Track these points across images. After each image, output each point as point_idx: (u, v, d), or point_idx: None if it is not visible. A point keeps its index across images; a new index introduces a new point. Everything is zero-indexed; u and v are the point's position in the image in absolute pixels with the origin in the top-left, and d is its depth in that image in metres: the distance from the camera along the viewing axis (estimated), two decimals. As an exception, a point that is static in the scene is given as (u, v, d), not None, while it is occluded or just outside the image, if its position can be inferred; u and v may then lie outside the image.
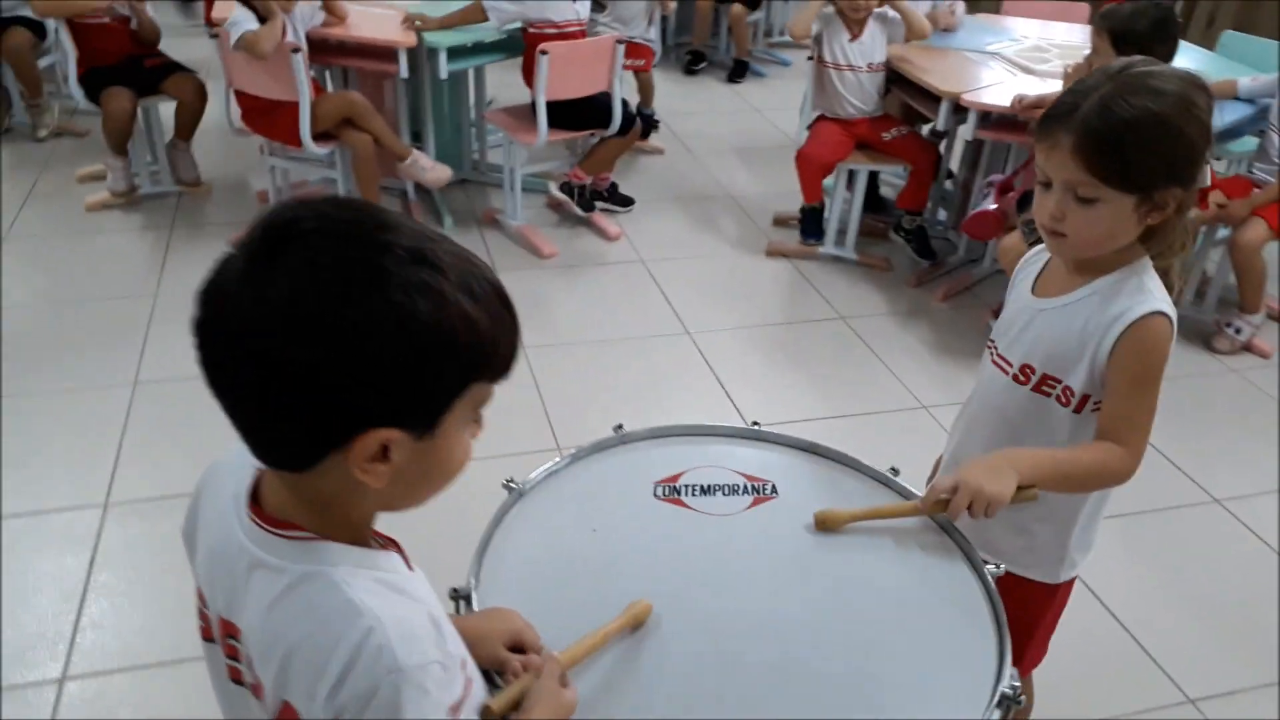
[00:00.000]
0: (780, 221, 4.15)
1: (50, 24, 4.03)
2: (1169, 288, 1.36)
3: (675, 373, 3.14)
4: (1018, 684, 1.08)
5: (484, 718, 0.90)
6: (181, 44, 4.24)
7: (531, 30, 3.62)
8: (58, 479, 2.53)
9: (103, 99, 3.76)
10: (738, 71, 6.05)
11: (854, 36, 3.62)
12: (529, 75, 3.61)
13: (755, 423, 1.47)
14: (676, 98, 5.64)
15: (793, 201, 3.95)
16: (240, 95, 3.53)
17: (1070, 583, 1.58)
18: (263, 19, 3.31)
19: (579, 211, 4.02)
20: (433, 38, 3.55)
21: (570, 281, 3.68)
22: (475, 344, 0.74)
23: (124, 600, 2.19)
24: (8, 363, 2.95)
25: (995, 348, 1.49)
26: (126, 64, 3.86)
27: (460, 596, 1.13)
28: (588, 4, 3.79)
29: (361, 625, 0.74)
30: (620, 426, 1.44)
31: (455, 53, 3.64)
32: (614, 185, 4.16)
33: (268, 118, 3.50)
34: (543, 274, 3.69)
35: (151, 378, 2.91)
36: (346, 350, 0.69)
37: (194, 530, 0.88)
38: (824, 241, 3.88)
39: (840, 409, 3.02)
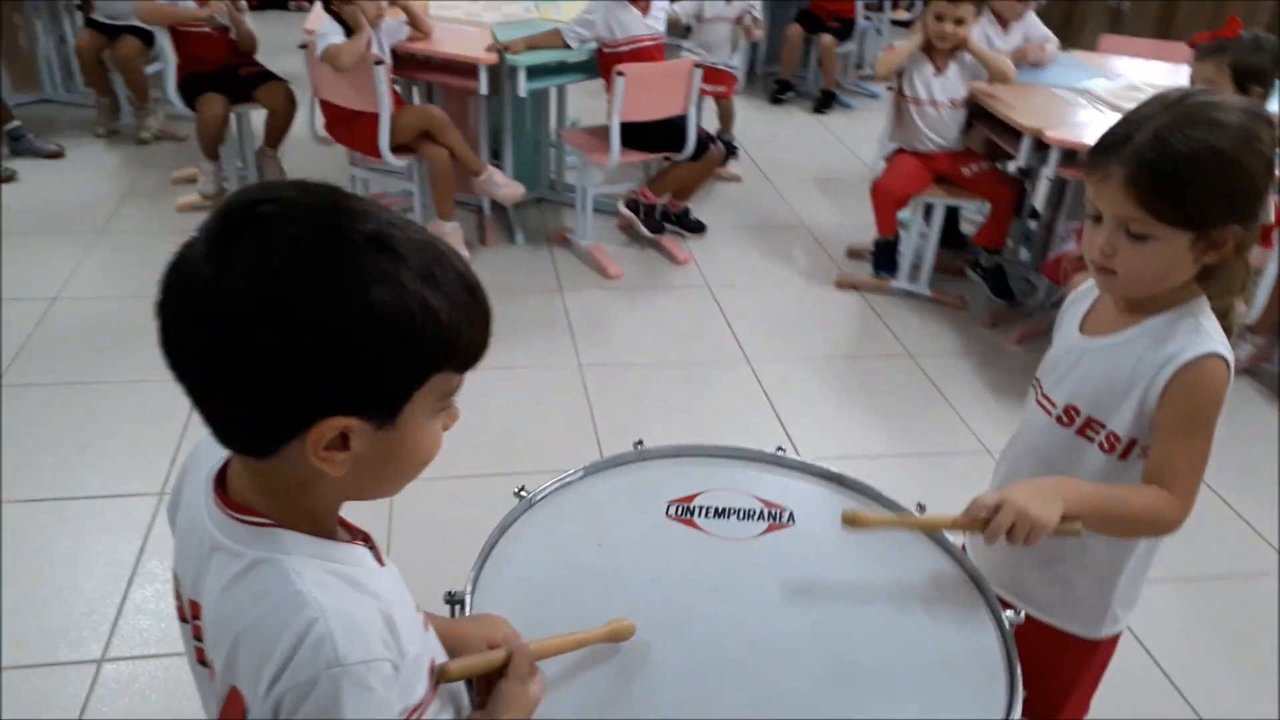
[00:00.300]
0: (854, 253, 4.08)
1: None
2: (1227, 329, 1.28)
3: (730, 400, 3.10)
4: (1026, 739, 1.02)
5: (439, 677, 0.88)
6: (277, 56, 4.39)
7: (606, 50, 3.65)
8: (120, 466, 2.61)
9: (197, 104, 3.93)
10: (824, 102, 6.01)
11: (938, 70, 3.55)
12: (611, 96, 3.63)
13: (780, 448, 1.43)
14: (760, 126, 5.62)
15: (870, 234, 3.88)
16: (324, 104, 3.64)
17: (1114, 640, 1.49)
18: (350, 32, 3.40)
19: (646, 232, 4.02)
20: (514, 56, 3.60)
21: (633, 303, 3.67)
22: (436, 333, 0.72)
23: (167, 588, 2.23)
24: (86, 350, 3.08)
25: (1040, 387, 1.42)
26: (223, 72, 4.02)
27: (455, 601, 1.12)
28: (663, 18, 3.80)
29: (306, 616, 0.73)
30: (640, 443, 1.42)
31: (535, 72, 3.69)
32: (686, 210, 4.15)
33: (349, 127, 3.59)
34: (607, 294, 3.70)
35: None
36: (298, 337, 0.68)
37: (176, 508, 0.89)
38: (897, 276, 3.80)
39: (900, 448, 2.93)
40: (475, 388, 3.08)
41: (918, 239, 3.76)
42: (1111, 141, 1.22)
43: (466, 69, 3.62)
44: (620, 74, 3.46)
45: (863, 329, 3.61)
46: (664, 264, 3.97)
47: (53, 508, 2.45)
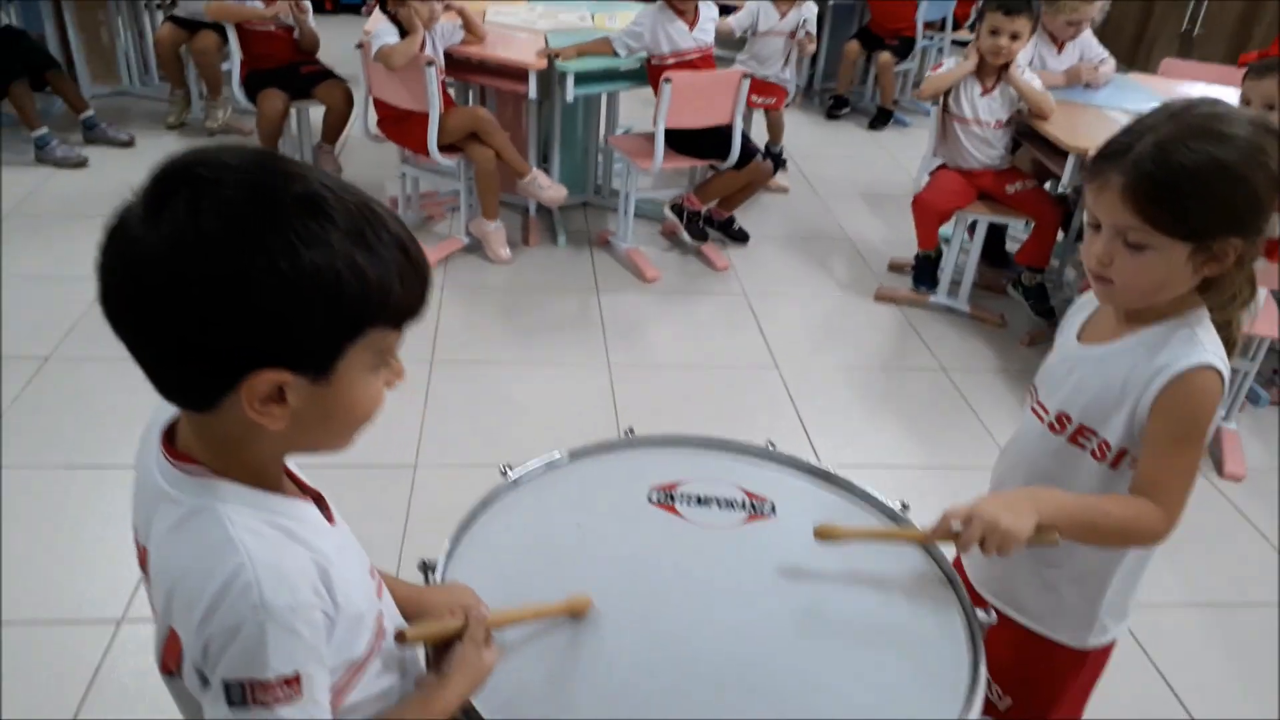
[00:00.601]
0: (895, 267, 4.06)
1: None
2: (1229, 342, 1.26)
3: (755, 404, 3.10)
4: (981, 739, 1.02)
5: (396, 640, 0.91)
6: (344, 57, 4.51)
7: (654, 62, 3.69)
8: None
9: (258, 99, 4.06)
10: (880, 119, 5.97)
11: (985, 91, 3.51)
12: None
13: (770, 442, 1.44)
14: (813, 141, 5.61)
15: (913, 249, 3.85)
16: (378, 103, 3.74)
17: (1105, 651, 1.47)
18: (404, 33, 3.49)
19: (688, 238, 4.05)
20: (563, 62, 3.65)
21: (667, 306, 3.70)
22: (364, 292, 0.74)
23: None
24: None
25: (1035, 394, 1.42)
26: (285, 69, 4.16)
27: (427, 569, 1.15)
28: (710, 29, 3.82)
29: (234, 561, 0.76)
30: (631, 430, 1.44)
31: (584, 78, 3.73)
32: (731, 219, 4.16)
33: (400, 126, 3.68)
34: (642, 297, 3.73)
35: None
36: (222, 295, 0.70)
37: (138, 461, 0.93)
38: (936, 291, 3.77)
39: (924, 459, 2.91)
40: (502, 381, 3.13)
41: (959, 255, 3.72)
42: (1112, 150, 1.21)
43: (518, 73, 3.68)
44: (667, 80, 3.49)
45: (897, 342, 3.59)
46: (703, 270, 3.98)
47: (93, 475, 2.55)
